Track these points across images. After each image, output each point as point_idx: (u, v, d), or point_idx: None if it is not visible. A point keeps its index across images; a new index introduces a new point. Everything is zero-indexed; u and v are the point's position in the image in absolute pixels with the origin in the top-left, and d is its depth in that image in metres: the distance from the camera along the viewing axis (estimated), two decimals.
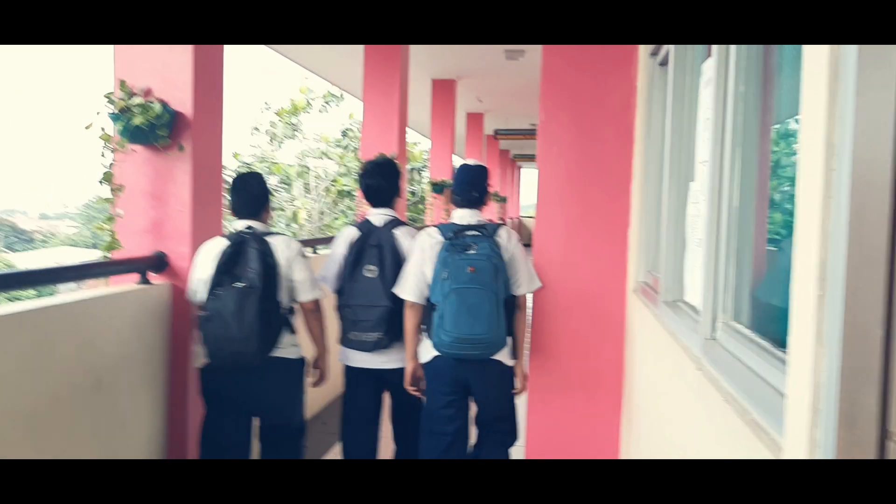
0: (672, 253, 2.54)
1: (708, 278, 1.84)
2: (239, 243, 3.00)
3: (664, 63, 3.07)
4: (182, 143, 3.40)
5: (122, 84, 3.36)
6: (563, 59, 3.45)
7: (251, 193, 3.20)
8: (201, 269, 3.09)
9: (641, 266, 3.24)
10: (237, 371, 2.97)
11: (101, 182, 3.32)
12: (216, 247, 3.07)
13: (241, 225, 3.14)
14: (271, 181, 16.15)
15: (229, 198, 3.23)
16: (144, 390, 3.30)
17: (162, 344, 3.42)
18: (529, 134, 14.57)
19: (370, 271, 3.24)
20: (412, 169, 15.56)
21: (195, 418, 3.57)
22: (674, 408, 2.13)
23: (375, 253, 3.26)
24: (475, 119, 14.33)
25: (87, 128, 3.32)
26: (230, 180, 3.26)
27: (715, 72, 1.84)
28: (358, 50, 7.64)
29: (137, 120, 3.23)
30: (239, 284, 2.90)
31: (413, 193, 14.91)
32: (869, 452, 0.85)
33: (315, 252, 5.83)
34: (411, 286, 3.11)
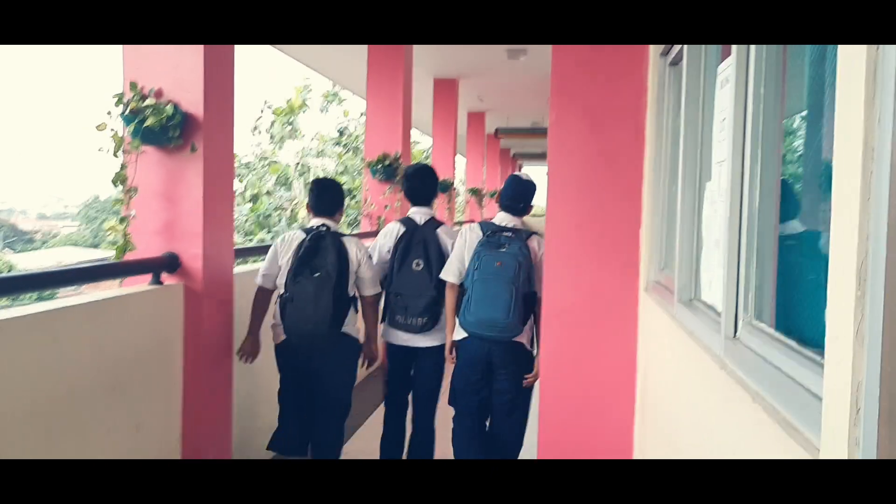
0: (687, 252, 2.54)
1: (730, 277, 1.85)
2: (317, 238, 3.57)
3: (675, 63, 3.07)
4: (194, 143, 3.40)
5: (133, 85, 3.37)
6: (572, 58, 3.45)
7: (330, 196, 3.79)
8: (282, 256, 3.64)
9: (654, 265, 3.24)
10: (309, 346, 3.57)
11: (113, 183, 3.33)
12: (294, 239, 3.65)
13: (316, 222, 3.71)
14: (270, 181, 16.18)
15: (309, 197, 3.81)
16: (158, 391, 3.31)
17: (175, 344, 3.43)
18: (530, 132, 14.57)
19: (418, 265, 3.77)
20: None
21: (209, 419, 3.58)
22: (693, 407, 2.13)
23: (421, 249, 3.79)
24: (476, 118, 14.33)
25: (98, 129, 3.32)
26: (311, 183, 3.88)
27: (735, 72, 1.84)
28: (361, 48, 7.65)
29: (150, 121, 3.24)
30: (318, 273, 3.48)
31: None
32: None
33: None
34: (454, 270, 3.68)
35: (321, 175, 16.21)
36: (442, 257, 3.79)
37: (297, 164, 15.94)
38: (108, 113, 3.35)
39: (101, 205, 51.97)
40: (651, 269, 3.28)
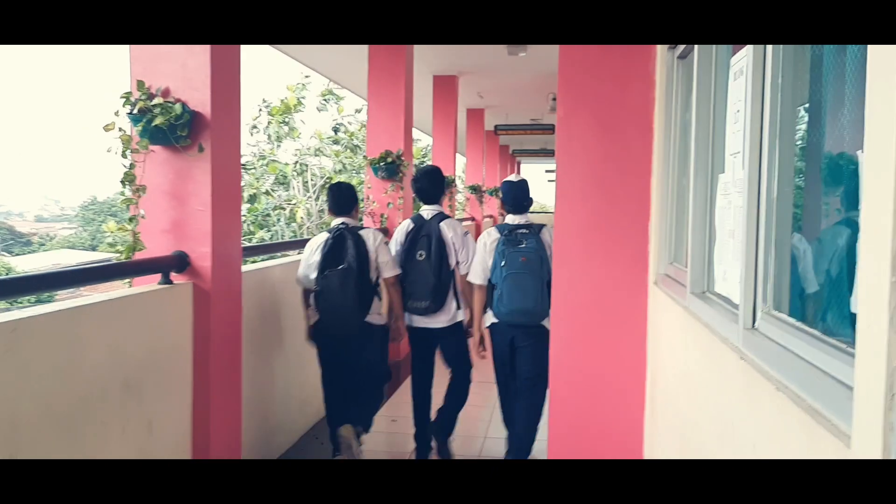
0: (700, 245, 2.55)
1: (748, 268, 1.86)
2: (338, 236, 4.09)
3: (683, 56, 3.08)
4: (202, 143, 3.40)
5: (141, 84, 3.37)
6: (579, 55, 3.46)
7: (345, 197, 4.31)
8: (311, 255, 4.17)
9: (663, 258, 3.25)
10: (339, 332, 4.07)
11: (122, 183, 3.33)
12: (320, 239, 4.18)
13: (337, 221, 4.23)
14: (268, 180, 16.16)
15: (327, 200, 4.36)
16: (170, 391, 3.31)
17: (185, 344, 3.43)
18: (530, 129, 14.56)
19: (420, 256, 4.26)
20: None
21: (219, 417, 3.59)
22: (710, 397, 2.14)
23: (425, 241, 4.27)
24: (475, 115, 14.33)
25: (106, 129, 3.32)
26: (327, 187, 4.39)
27: (752, 63, 1.85)
28: (360, 46, 7.65)
29: (158, 120, 3.24)
30: (342, 266, 3.99)
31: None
32: None
33: None
34: (479, 273, 4.13)
35: (318, 174, 16.22)
36: (442, 248, 4.26)
37: (296, 163, 15.92)
38: (116, 113, 3.34)
39: (99, 206, 51.90)
40: (660, 263, 3.29)
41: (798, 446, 1.37)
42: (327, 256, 4.04)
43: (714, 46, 2.52)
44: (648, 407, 3.40)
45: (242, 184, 16.07)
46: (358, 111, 16.91)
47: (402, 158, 7.26)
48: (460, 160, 17.17)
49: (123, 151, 3.32)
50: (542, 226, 4.07)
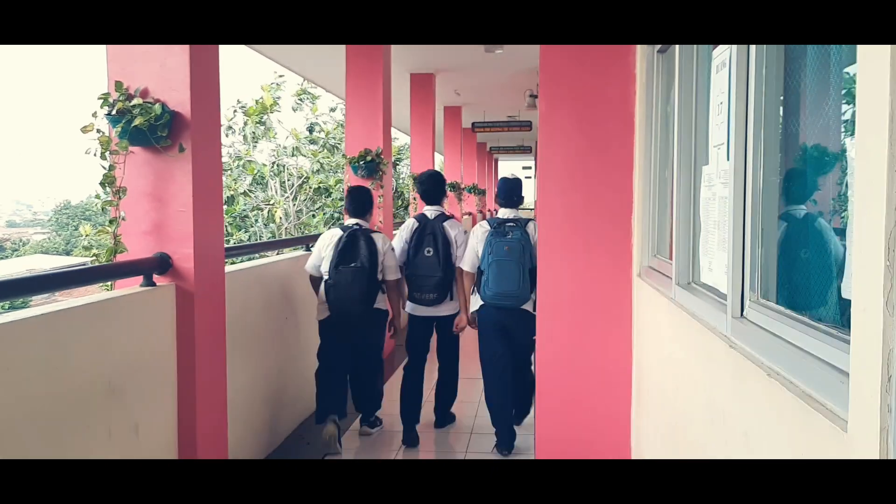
0: (684, 236, 2.58)
1: (736, 258, 1.88)
2: (352, 235, 4.50)
3: (663, 51, 3.11)
4: (182, 143, 3.37)
5: (119, 85, 3.33)
6: (561, 50, 3.48)
7: (362, 201, 4.75)
8: (323, 249, 4.58)
9: (646, 251, 3.28)
10: (348, 321, 4.50)
11: (102, 185, 3.28)
12: (334, 236, 4.59)
13: (351, 221, 4.65)
14: (246, 181, 16.04)
15: (345, 203, 4.79)
16: (155, 393, 3.28)
17: (169, 345, 3.40)
18: (507, 126, 14.59)
19: (428, 252, 4.69)
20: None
21: (204, 418, 3.56)
22: (699, 384, 2.16)
23: (431, 239, 4.69)
24: (452, 112, 14.33)
25: (84, 131, 3.28)
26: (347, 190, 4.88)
27: (735, 55, 1.87)
28: (336, 45, 7.62)
29: (138, 121, 3.20)
30: (354, 264, 4.42)
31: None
32: None
33: (308, 249, 5.83)
34: (468, 260, 4.56)
35: (294, 174, 16.13)
36: (447, 245, 4.69)
37: (273, 163, 15.81)
38: (94, 114, 3.30)
39: (73, 210, 51.20)
40: (644, 255, 3.31)
41: (792, 431, 1.39)
42: (341, 253, 4.45)
43: None
44: (635, 397, 3.43)
45: None
46: (333, 110, 16.81)
47: (382, 156, 7.24)
48: (438, 159, 17.17)
49: (102, 153, 3.28)
50: (528, 220, 4.45)
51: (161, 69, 3.39)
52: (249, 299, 4.46)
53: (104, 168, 3.30)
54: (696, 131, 2.52)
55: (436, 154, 12.67)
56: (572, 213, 3.52)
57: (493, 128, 14.61)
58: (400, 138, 19.98)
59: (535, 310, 3.91)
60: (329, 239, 4.59)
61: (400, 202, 14.13)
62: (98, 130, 3.29)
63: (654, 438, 2.93)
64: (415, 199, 11.08)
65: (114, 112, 3.27)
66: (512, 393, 4.59)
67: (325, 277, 4.51)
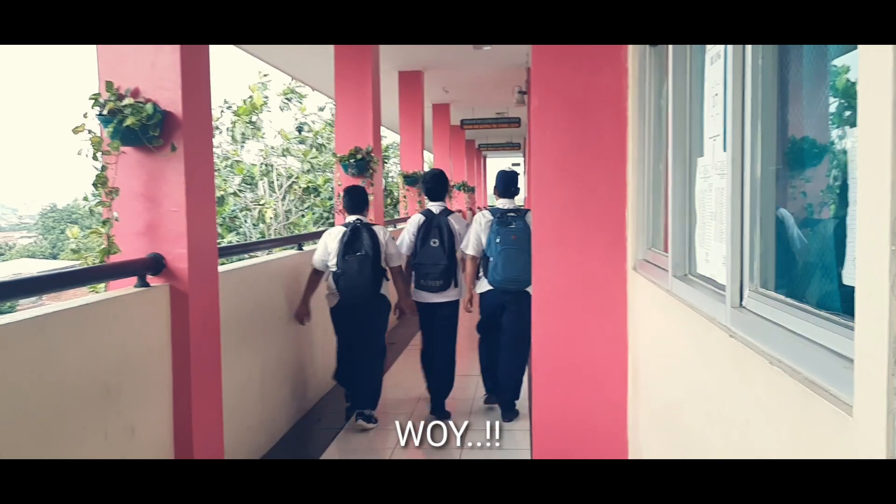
0: (680, 228, 2.58)
1: (734, 248, 1.89)
2: (355, 229, 4.98)
3: (654, 44, 3.11)
4: (174, 143, 3.35)
5: (109, 85, 3.31)
6: (553, 45, 3.48)
7: (359, 198, 5.21)
8: (330, 244, 5.02)
9: (641, 244, 3.29)
10: (357, 305, 4.96)
11: (94, 186, 3.27)
12: (337, 232, 5.05)
13: (352, 218, 5.10)
14: (235, 182, 15.98)
15: (343, 202, 5.24)
16: (150, 394, 3.27)
17: (164, 346, 3.39)
18: (495, 123, 14.61)
19: (434, 243, 5.15)
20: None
21: (200, 418, 3.55)
22: (699, 374, 2.18)
23: (437, 232, 5.16)
24: (441, 110, 14.32)
25: (75, 131, 3.26)
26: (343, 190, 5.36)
27: (730, 46, 1.88)
28: (324, 45, 7.60)
29: (129, 121, 3.19)
30: (359, 253, 4.88)
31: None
32: None
33: (301, 248, 5.83)
34: (473, 246, 5.08)
35: (283, 174, 16.08)
36: (452, 238, 5.18)
37: (262, 163, 15.76)
38: (85, 115, 3.28)
39: (59, 214, 50.84)
40: (638, 248, 3.32)
41: (796, 417, 1.40)
42: (347, 244, 4.91)
43: None
44: (631, 388, 3.44)
45: None
46: (321, 109, 16.76)
47: (372, 154, 7.23)
48: (428, 157, 17.15)
49: (94, 154, 3.26)
50: (527, 210, 4.94)
51: (152, 69, 3.37)
52: (242, 299, 4.44)
53: (96, 169, 3.28)
54: (690, 123, 2.53)
55: (425, 152, 12.67)
56: (566, 207, 3.53)
57: (481, 125, 14.63)
58: (388, 136, 19.95)
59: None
60: (334, 235, 5.04)
61: (389, 200, 14.12)
62: (89, 131, 3.28)
63: (653, 428, 2.95)
64: (405, 196, 11.09)
65: (105, 112, 3.25)
66: (502, 367, 5.19)
67: (334, 269, 4.95)
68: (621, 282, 3.49)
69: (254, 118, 14.82)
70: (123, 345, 3.07)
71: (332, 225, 5.21)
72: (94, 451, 2.82)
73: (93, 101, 3.29)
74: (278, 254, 5.69)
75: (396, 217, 11.91)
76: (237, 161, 15.51)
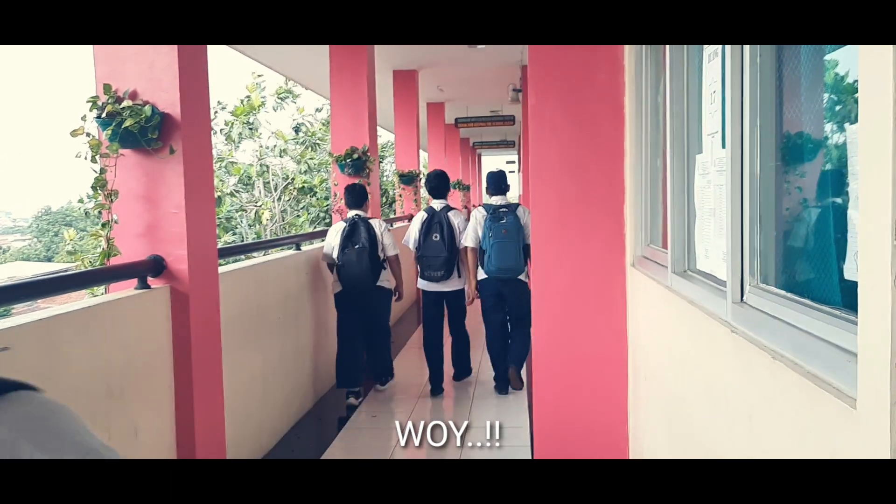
0: (679, 224, 2.60)
1: (734, 244, 1.90)
2: (353, 223, 5.50)
3: (651, 44, 3.13)
4: (172, 144, 3.36)
5: (107, 87, 3.31)
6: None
7: (358, 194, 5.72)
8: (332, 238, 5.59)
9: (639, 240, 3.31)
10: (358, 294, 5.45)
11: (93, 188, 3.27)
12: (338, 227, 5.60)
13: (352, 213, 5.60)
14: (230, 182, 15.95)
15: (344, 197, 5.78)
16: (152, 395, 3.27)
17: (165, 347, 3.40)
18: (490, 121, 14.61)
19: (435, 237, 5.70)
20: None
21: (202, 419, 3.56)
22: (700, 369, 2.19)
23: (438, 227, 5.71)
24: (436, 108, 14.32)
25: (73, 134, 3.26)
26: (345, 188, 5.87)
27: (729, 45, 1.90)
28: (317, 45, 7.60)
29: (128, 123, 3.19)
30: (357, 246, 5.39)
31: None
32: None
33: (299, 248, 5.84)
34: (472, 238, 5.57)
35: (279, 174, 16.05)
36: (452, 232, 5.70)
37: (259, 163, 15.73)
38: (83, 117, 3.28)
39: (53, 216, 50.68)
40: (637, 245, 3.34)
41: (799, 411, 1.41)
42: (345, 238, 5.42)
43: None
44: (631, 384, 3.46)
45: None
46: (319, 110, 16.74)
47: (368, 154, 7.23)
48: (423, 156, 17.16)
49: (93, 156, 3.26)
50: (517, 205, 5.59)
51: (150, 71, 3.37)
52: (243, 300, 4.45)
53: (95, 171, 3.28)
54: (688, 120, 2.55)
55: (420, 151, 12.67)
56: (564, 204, 3.55)
57: (476, 123, 14.63)
58: (382, 135, 19.94)
59: (527, 278, 4.98)
60: (336, 229, 5.62)
61: (385, 199, 14.11)
62: (88, 133, 3.28)
63: (654, 424, 2.97)
64: (400, 195, 11.09)
65: (103, 115, 3.25)
66: (509, 342, 5.75)
67: (336, 261, 5.48)
68: (620, 279, 3.50)
69: (251, 118, 14.79)
70: (126, 346, 3.07)
71: (329, 225, 5.62)
72: None
73: (91, 103, 3.30)
74: (278, 254, 5.69)
75: (392, 216, 11.90)
76: (232, 162, 15.48)
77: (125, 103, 3.26)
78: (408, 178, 10.83)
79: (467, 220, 5.80)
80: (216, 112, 15.83)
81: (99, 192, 3.28)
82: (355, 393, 5.51)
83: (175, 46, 3.35)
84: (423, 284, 5.85)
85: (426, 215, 5.82)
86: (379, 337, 5.77)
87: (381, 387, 5.84)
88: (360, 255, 5.35)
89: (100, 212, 3.32)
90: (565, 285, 3.57)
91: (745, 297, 1.87)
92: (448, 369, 6.02)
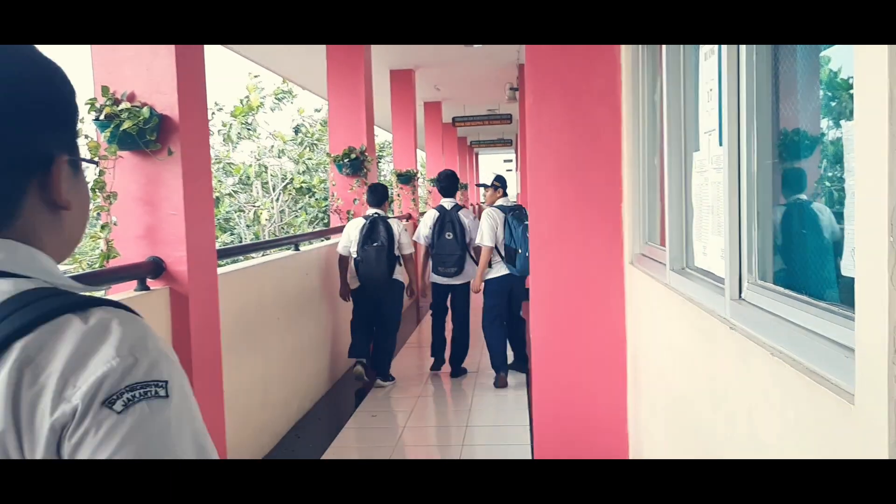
0: (677, 222, 2.61)
1: (732, 241, 1.91)
2: (373, 221, 5.80)
3: (648, 44, 3.14)
4: (171, 146, 3.36)
5: (105, 89, 3.31)
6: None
7: (379, 193, 6.05)
8: (352, 233, 5.84)
9: (637, 238, 3.32)
10: (374, 288, 5.81)
11: (92, 190, 3.27)
12: (358, 223, 5.87)
13: (371, 211, 5.93)
14: (228, 183, 15.96)
15: (366, 195, 6.16)
16: None
17: None
18: (487, 120, 14.62)
19: (449, 236, 6.06)
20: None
21: (203, 420, 3.56)
22: (700, 366, 2.20)
23: (451, 226, 6.08)
24: (433, 108, 14.32)
25: None
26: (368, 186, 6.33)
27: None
28: (314, 45, 7.60)
29: (126, 125, 3.19)
30: (376, 244, 5.70)
31: None
32: None
33: (297, 249, 5.85)
34: (488, 237, 5.77)
35: (277, 174, 16.07)
36: (463, 230, 6.10)
37: (257, 163, 15.74)
38: (82, 119, 3.28)
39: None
40: (635, 243, 3.35)
41: (798, 407, 1.42)
42: (365, 235, 5.73)
43: None
44: (631, 381, 3.47)
45: None
46: (318, 111, 16.74)
47: (366, 154, 7.24)
48: (420, 155, 17.16)
49: (91, 158, 3.26)
50: (522, 206, 5.91)
51: (147, 72, 3.37)
52: (242, 301, 4.46)
53: (94, 174, 3.28)
54: (685, 118, 2.56)
55: (417, 151, 12.67)
56: (562, 203, 3.55)
57: (473, 122, 14.63)
58: (380, 135, 19.94)
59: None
60: (356, 225, 5.88)
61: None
62: (86, 135, 3.28)
63: (654, 421, 2.97)
64: (398, 195, 11.09)
65: (102, 117, 3.26)
66: (511, 338, 6.12)
67: (355, 256, 5.78)
68: (619, 277, 3.51)
69: (249, 119, 14.79)
70: None
71: (327, 225, 5.61)
72: None
73: (89, 105, 3.30)
74: (277, 254, 5.69)
75: (391, 216, 11.91)
76: (230, 163, 15.49)
77: (123, 105, 3.26)
78: (405, 178, 10.83)
79: (475, 219, 6.21)
80: (213, 113, 15.84)
81: (98, 194, 3.28)
82: (363, 363, 5.91)
83: (173, 48, 3.35)
84: (435, 278, 6.24)
85: (438, 213, 6.17)
86: (388, 326, 6.07)
87: (382, 382, 6.03)
88: (379, 253, 5.67)
89: (99, 214, 3.33)
90: (564, 284, 3.58)
91: (743, 294, 1.88)
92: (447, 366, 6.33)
